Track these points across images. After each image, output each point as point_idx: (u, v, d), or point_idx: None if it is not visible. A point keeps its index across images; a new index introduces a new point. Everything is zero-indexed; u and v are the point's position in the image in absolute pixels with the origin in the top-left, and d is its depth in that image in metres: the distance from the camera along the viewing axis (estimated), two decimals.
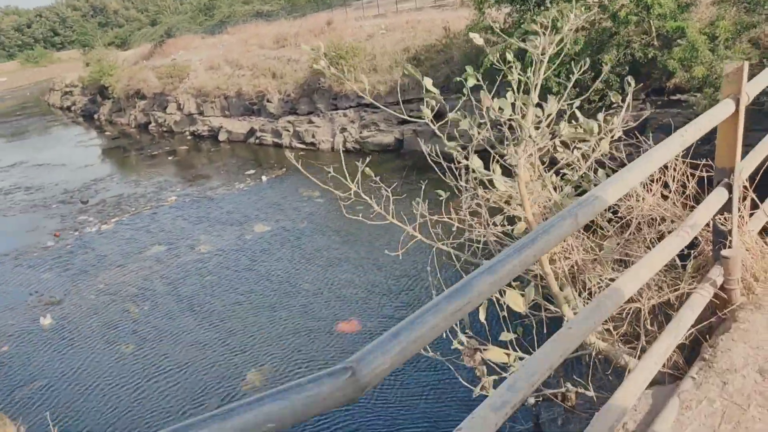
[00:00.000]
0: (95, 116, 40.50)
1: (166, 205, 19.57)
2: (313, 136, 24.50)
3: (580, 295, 3.46)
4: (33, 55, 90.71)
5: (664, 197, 3.61)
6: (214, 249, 15.36)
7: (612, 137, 3.76)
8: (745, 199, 3.47)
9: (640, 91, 17.06)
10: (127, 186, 22.51)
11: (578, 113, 3.92)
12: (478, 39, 3.87)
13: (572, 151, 3.80)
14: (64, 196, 22.11)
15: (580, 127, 3.74)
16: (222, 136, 28.50)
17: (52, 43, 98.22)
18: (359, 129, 23.23)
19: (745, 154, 3.65)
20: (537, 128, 3.76)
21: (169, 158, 26.66)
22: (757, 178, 3.57)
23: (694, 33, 13.78)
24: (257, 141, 26.87)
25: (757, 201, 3.62)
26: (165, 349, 11.13)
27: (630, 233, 3.53)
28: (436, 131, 3.84)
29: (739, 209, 3.24)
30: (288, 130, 25.47)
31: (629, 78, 4.36)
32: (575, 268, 3.48)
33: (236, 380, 9.97)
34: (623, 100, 3.96)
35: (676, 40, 15.03)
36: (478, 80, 3.85)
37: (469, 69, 3.91)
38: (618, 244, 3.48)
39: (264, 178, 21.16)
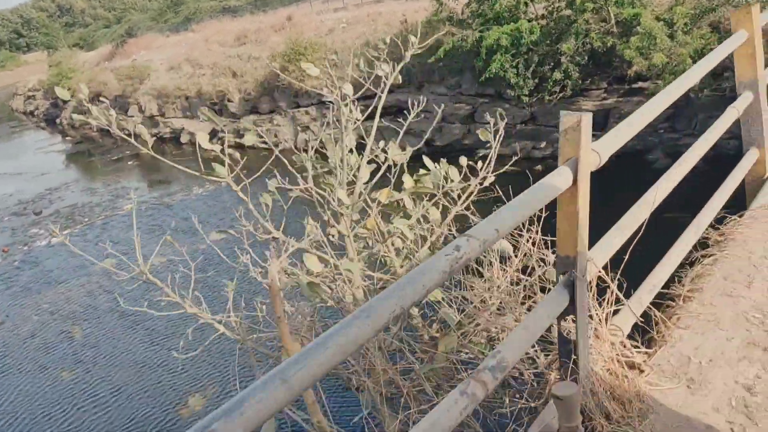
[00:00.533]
0: (57, 121, 39.43)
1: (121, 213, 18.87)
2: (275, 136, 23.83)
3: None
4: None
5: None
6: (165, 261, 14.69)
7: (467, 195, 3.04)
8: (606, 290, 2.61)
9: (601, 79, 16.66)
10: (83, 194, 21.74)
11: (426, 160, 3.30)
12: (313, 70, 3.30)
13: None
14: (17, 208, 21.31)
15: (422, 181, 3.05)
16: (184, 138, 27.72)
17: (17, 45, 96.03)
18: (323, 127, 22.57)
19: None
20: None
21: (129, 163, 25.90)
22: (626, 259, 2.76)
23: (648, 20, 13.30)
24: (219, 143, 26.09)
25: (620, 295, 2.66)
26: (103, 373, 10.52)
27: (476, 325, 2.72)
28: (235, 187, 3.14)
29: (599, 305, 2.48)
30: (249, 130, 24.74)
31: (498, 112, 3.72)
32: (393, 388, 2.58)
33: (175, 405, 9.41)
34: (496, 136, 3.22)
35: (635, 27, 14.55)
36: (260, 135, 3.24)
37: (205, 113, 3.31)
38: (459, 342, 2.67)
39: (223, 184, 20.45)
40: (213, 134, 26.59)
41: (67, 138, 35.11)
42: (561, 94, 15.91)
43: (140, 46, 39.56)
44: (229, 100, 25.92)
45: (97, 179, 23.70)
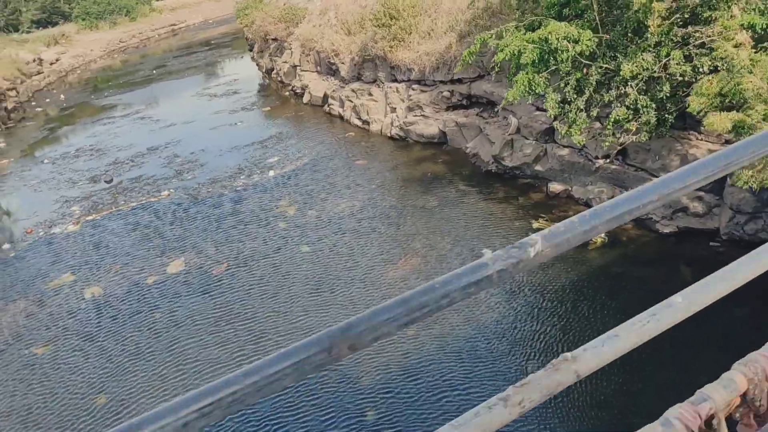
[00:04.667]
0: (251, 55, 39.59)
1: (155, 200, 17.30)
2: (368, 113, 20.15)
3: None
4: None
5: None
6: (105, 293, 12.74)
7: None
8: None
9: None
10: (158, 163, 20.68)
11: None
12: None
13: None
14: (101, 170, 21.04)
15: None
16: (306, 98, 25.30)
17: None
18: (405, 111, 18.35)
19: None
20: None
21: (237, 124, 24.32)
22: None
23: (728, 47, 6.98)
24: (328, 109, 23.22)
25: None
26: None
27: None
28: None
29: None
30: (351, 101, 21.36)
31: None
32: None
33: None
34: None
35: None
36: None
37: None
38: None
39: (271, 173, 17.74)
40: (325, 98, 23.76)
41: (242, 78, 35.01)
42: (635, 137, 9.93)
43: None
44: (341, 62, 22.59)
45: (191, 141, 22.42)
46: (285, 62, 29.77)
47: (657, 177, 10.31)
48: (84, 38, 61.70)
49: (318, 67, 25.58)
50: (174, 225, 15.37)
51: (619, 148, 10.35)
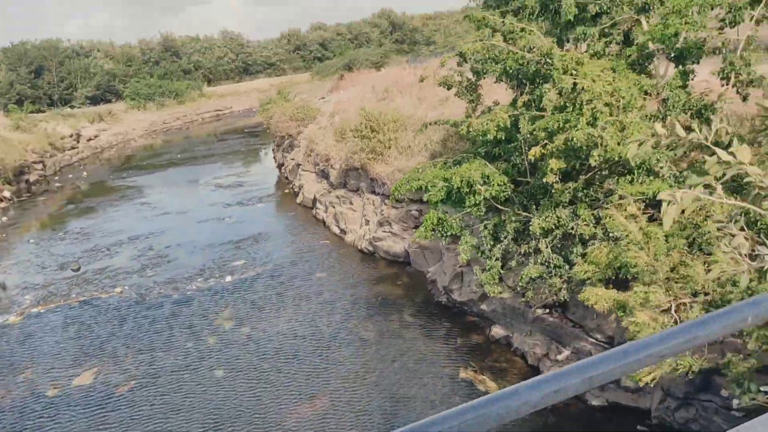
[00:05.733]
0: (272, 147, 40.08)
1: (105, 296, 16.69)
2: (345, 222, 19.49)
3: None
4: (323, 68, 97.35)
5: None
6: (0, 404, 11.90)
7: None
8: None
9: None
10: (130, 254, 20.28)
11: None
12: None
13: None
14: (81, 255, 20.74)
15: None
16: (299, 198, 24.94)
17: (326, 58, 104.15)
18: (376, 226, 17.59)
19: None
20: None
21: (226, 219, 23.94)
22: None
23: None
24: (315, 212, 22.72)
25: None
26: None
27: None
28: None
29: None
30: (333, 207, 20.79)
31: None
32: None
33: None
34: None
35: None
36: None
37: None
38: None
39: (228, 278, 17.01)
40: (314, 201, 23.29)
41: (257, 170, 35.20)
42: (555, 297, 8.83)
43: (355, 81, 37.90)
44: (332, 167, 22.23)
45: (182, 232, 22.05)
46: (292, 159, 29.79)
47: (592, 337, 8.87)
48: (130, 117, 64.10)
49: (316, 169, 25.31)
50: (107, 326, 14.64)
51: (537, 305, 9.24)
